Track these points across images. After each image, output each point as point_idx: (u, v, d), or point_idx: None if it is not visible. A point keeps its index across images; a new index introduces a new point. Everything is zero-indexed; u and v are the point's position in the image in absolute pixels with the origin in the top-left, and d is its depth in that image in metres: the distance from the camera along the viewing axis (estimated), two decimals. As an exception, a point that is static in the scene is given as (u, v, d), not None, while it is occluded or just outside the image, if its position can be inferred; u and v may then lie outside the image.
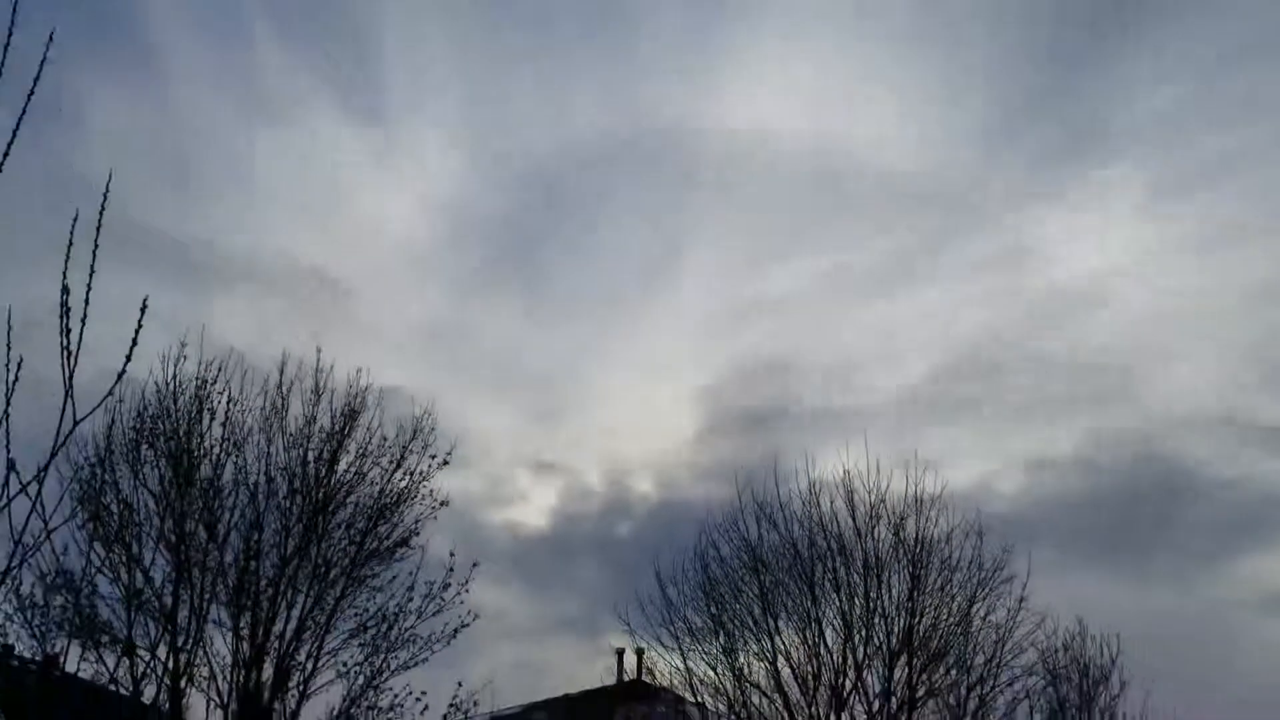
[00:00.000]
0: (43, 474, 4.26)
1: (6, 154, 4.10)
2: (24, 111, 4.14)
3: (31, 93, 4.23)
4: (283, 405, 16.85)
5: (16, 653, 15.17)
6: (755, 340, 43.09)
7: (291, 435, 16.77)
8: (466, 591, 16.77)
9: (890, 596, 18.76)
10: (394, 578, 16.86)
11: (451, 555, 16.85)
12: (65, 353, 4.25)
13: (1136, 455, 38.03)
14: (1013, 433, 38.92)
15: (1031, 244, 41.96)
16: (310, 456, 16.73)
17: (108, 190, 4.45)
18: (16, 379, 4.21)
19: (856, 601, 18.76)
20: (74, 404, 4.18)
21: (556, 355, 44.01)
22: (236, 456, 16.34)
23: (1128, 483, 36.69)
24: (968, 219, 43.83)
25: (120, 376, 4.64)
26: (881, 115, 43.56)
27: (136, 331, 4.48)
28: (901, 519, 19.17)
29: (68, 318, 4.26)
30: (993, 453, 38.19)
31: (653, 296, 46.74)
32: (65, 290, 4.27)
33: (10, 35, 4.21)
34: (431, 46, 42.06)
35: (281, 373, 17.06)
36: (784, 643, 19.16)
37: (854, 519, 19.20)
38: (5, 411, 4.23)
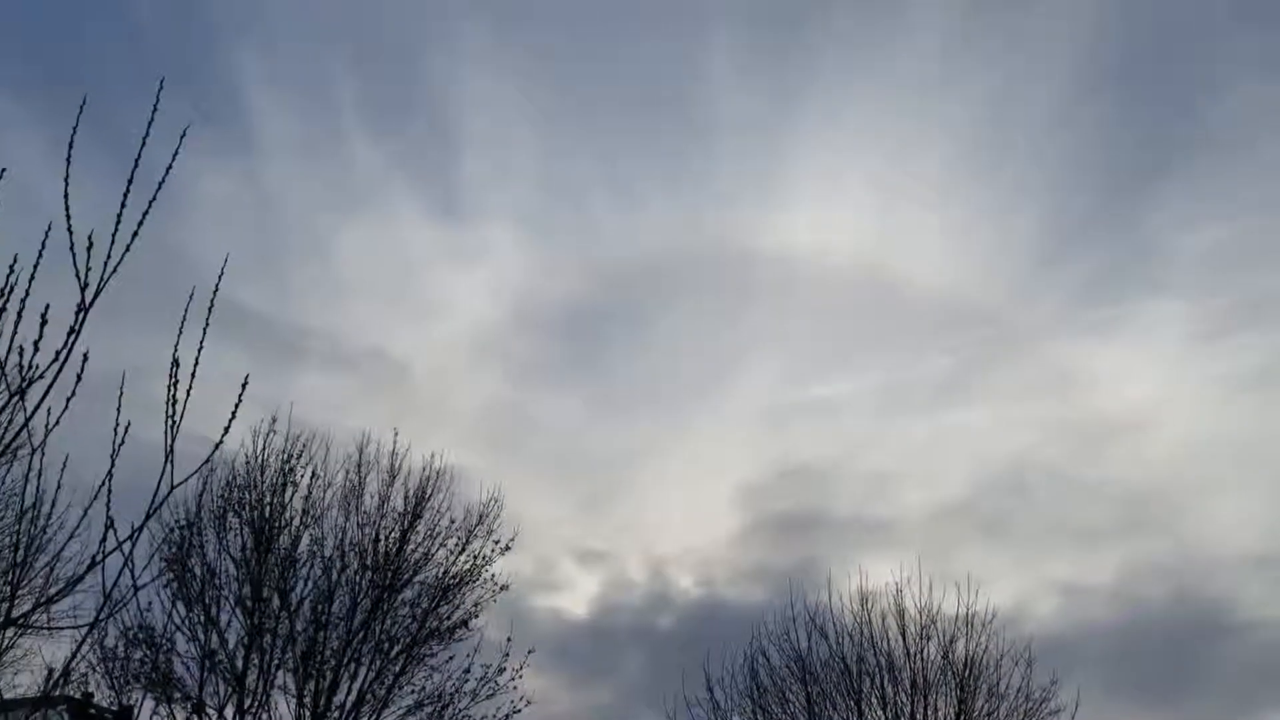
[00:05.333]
0: (137, 534, 4.26)
1: (134, 238, 4.24)
2: (153, 199, 4.31)
3: (161, 183, 4.39)
4: (359, 484, 17.03)
5: (95, 701, 15.23)
6: (799, 446, 42.52)
7: (366, 513, 16.88)
8: (520, 677, 16.52)
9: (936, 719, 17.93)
10: (451, 658, 16.71)
11: (508, 640, 16.68)
12: (170, 421, 4.26)
13: (1176, 589, 36.25)
14: (1049, 556, 37.43)
15: (1076, 369, 41.04)
16: (382, 535, 16.78)
17: (222, 274, 4.52)
18: (122, 442, 4.27)
19: (902, 721, 17.95)
20: (173, 469, 4.20)
21: (609, 445, 43.98)
22: (314, 530, 16.48)
23: (1167, 617, 34.89)
24: (1014, 340, 43.15)
25: (216, 447, 4.66)
26: (933, 233, 43.63)
27: (236, 407, 4.43)
28: (952, 640, 18.43)
29: (175, 389, 4.33)
30: (1029, 575, 36.70)
31: (705, 396, 46.61)
32: (175, 363, 4.31)
33: (147, 136, 4.43)
34: (509, 134, 43.26)
35: (360, 453, 17.29)
36: (828, 756, 18.34)
37: (904, 637, 18.50)
38: (109, 472, 4.28)
